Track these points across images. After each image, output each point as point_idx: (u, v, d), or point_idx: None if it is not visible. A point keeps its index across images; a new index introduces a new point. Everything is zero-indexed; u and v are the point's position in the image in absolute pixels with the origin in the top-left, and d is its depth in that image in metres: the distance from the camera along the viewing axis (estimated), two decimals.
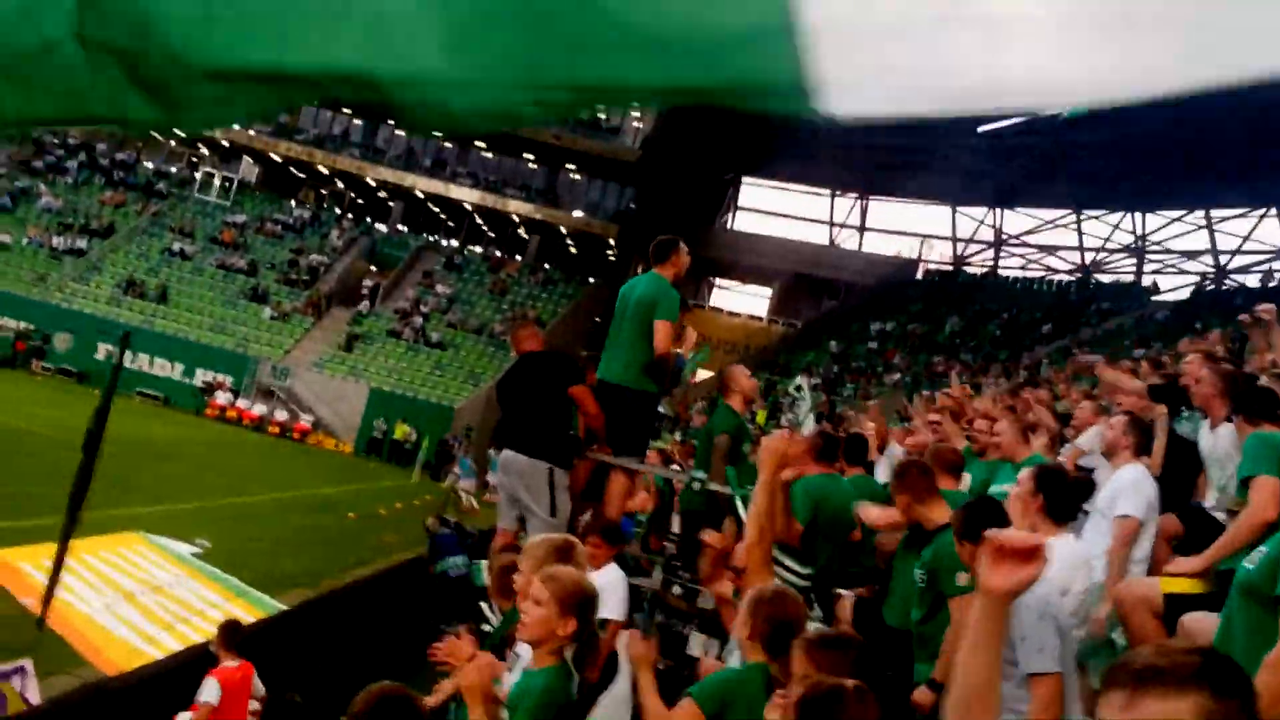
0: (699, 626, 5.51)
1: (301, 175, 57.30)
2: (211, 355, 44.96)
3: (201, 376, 44.49)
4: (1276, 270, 45.41)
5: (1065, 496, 4.64)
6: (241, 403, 43.88)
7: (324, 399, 44.30)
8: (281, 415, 43.54)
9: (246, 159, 56.84)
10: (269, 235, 53.39)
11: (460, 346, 48.27)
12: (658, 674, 6.29)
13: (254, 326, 47.48)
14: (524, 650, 3.90)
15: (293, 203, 56.09)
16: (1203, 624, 3.99)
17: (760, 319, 57.10)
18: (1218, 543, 4.71)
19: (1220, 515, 5.35)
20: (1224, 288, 47.37)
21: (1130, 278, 52.48)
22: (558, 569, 3.73)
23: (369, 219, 57.50)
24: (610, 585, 5.05)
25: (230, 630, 7.57)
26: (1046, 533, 4.24)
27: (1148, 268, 52.56)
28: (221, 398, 43.66)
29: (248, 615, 10.21)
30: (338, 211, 56.51)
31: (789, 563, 4.85)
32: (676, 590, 6.08)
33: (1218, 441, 5.68)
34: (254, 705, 7.54)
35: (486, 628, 6.25)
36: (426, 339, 48.27)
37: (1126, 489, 5.35)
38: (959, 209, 57.34)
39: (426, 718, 2.97)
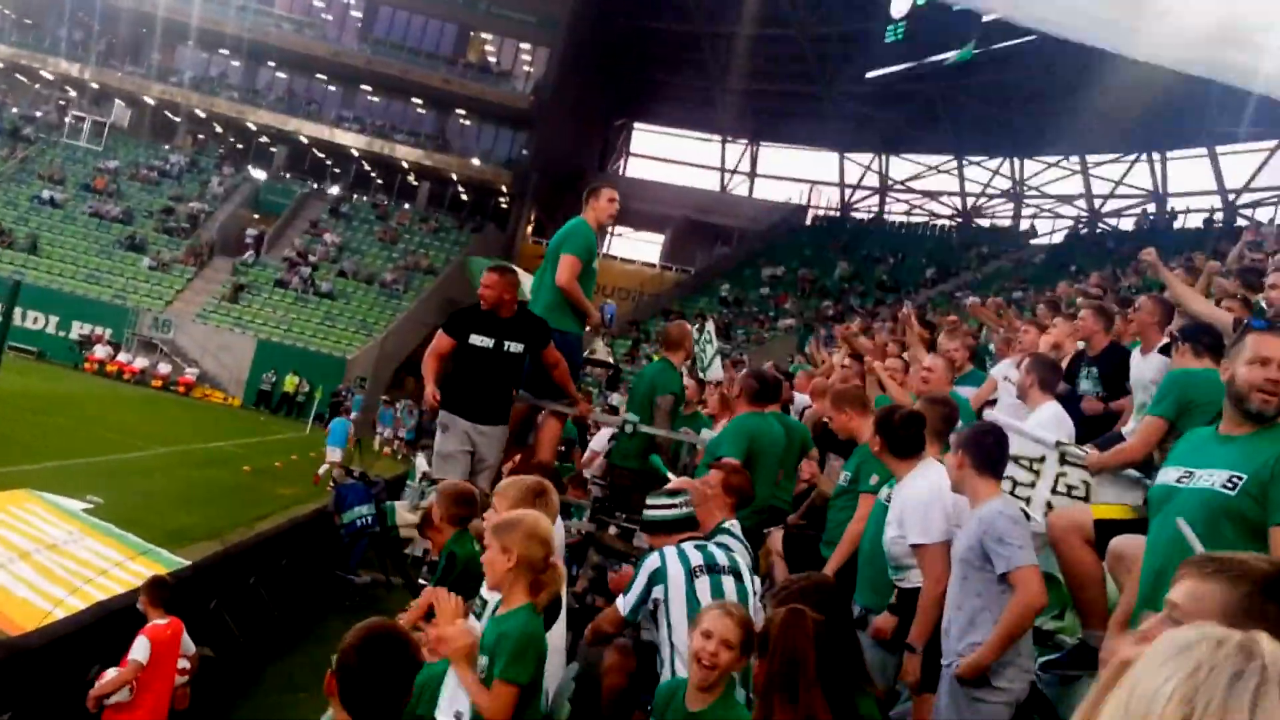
0: (636, 564, 5.61)
1: (177, 119, 55.06)
2: (88, 307, 43.24)
3: (78, 329, 42.82)
4: (1151, 214, 47.29)
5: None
6: (122, 356, 42.36)
7: (209, 351, 43.09)
8: (164, 368, 42.18)
9: (118, 102, 54.34)
10: (144, 182, 51.31)
11: (351, 296, 47.33)
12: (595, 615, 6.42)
13: (132, 277, 45.75)
14: (491, 596, 3.92)
15: (168, 148, 53.91)
16: (1131, 544, 4.24)
17: (654, 265, 57.24)
18: (1111, 454, 5.03)
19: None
20: (1097, 231, 49.17)
21: (1009, 222, 54.06)
22: (512, 515, 3.76)
23: (250, 165, 55.59)
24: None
25: (158, 586, 7.41)
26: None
27: (1026, 212, 54.23)
28: (100, 351, 42.09)
29: (151, 572, 9.99)
30: (218, 156, 54.47)
31: (662, 501, 5.01)
32: (613, 530, 6.19)
33: (1145, 368, 5.94)
34: (183, 663, 7.42)
35: (423, 581, 6.27)
36: (315, 289, 47.18)
37: (1049, 426, 5.62)
38: (846, 155, 58.18)
39: (417, 654, 2.96)
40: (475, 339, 6.74)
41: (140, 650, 6.96)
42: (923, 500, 4.82)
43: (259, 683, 10.32)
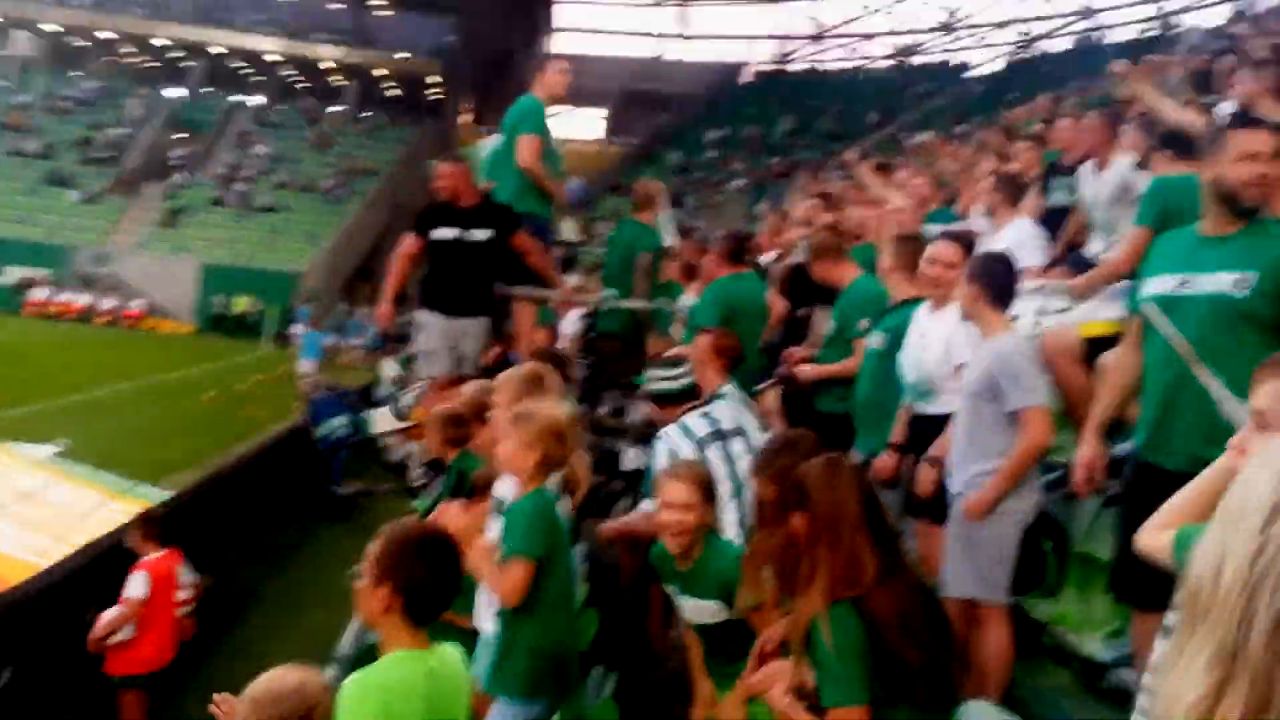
0: (631, 440, 5.59)
1: (84, 44, 52.74)
2: (20, 250, 41.88)
3: (13, 274, 41.63)
4: (1093, 32, 46.80)
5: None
6: (63, 296, 41.35)
7: (153, 281, 42.04)
8: (109, 303, 41.25)
9: (20, 33, 51.92)
10: (60, 113, 49.38)
11: (292, 208, 46.24)
12: (595, 493, 6.37)
13: (62, 213, 44.31)
14: (505, 492, 3.83)
15: (80, 74, 51.73)
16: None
17: (597, 142, 56.30)
18: (1097, 274, 5.00)
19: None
20: (1033, 56, 48.64)
21: (943, 57, 53.41)
22: (525, 408, 3.67)
23: (166, 84, 53.51)
24: None
25: (149, 521, 7.26)
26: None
27: (961, 45, 53.54)
28: (39, 293, 41.06)
29: (133, 509, 9.83)
30: (131, 78, 52.36)
31: (665, 373, 4.95)
32: (604, 409, 6.10)
33: (1101, 185, 5.86)
34: (184, 594, 7.29)
35: (419, 482, 6.21)
36: (254, 204, 46.03)
37: (1026, 244, 5.52)
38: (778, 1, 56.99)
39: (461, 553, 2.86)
40: (438, 232, 6.60)
41: (138, 586, 6.82)
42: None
43: (260, 601, 10.27)
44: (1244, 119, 3.51)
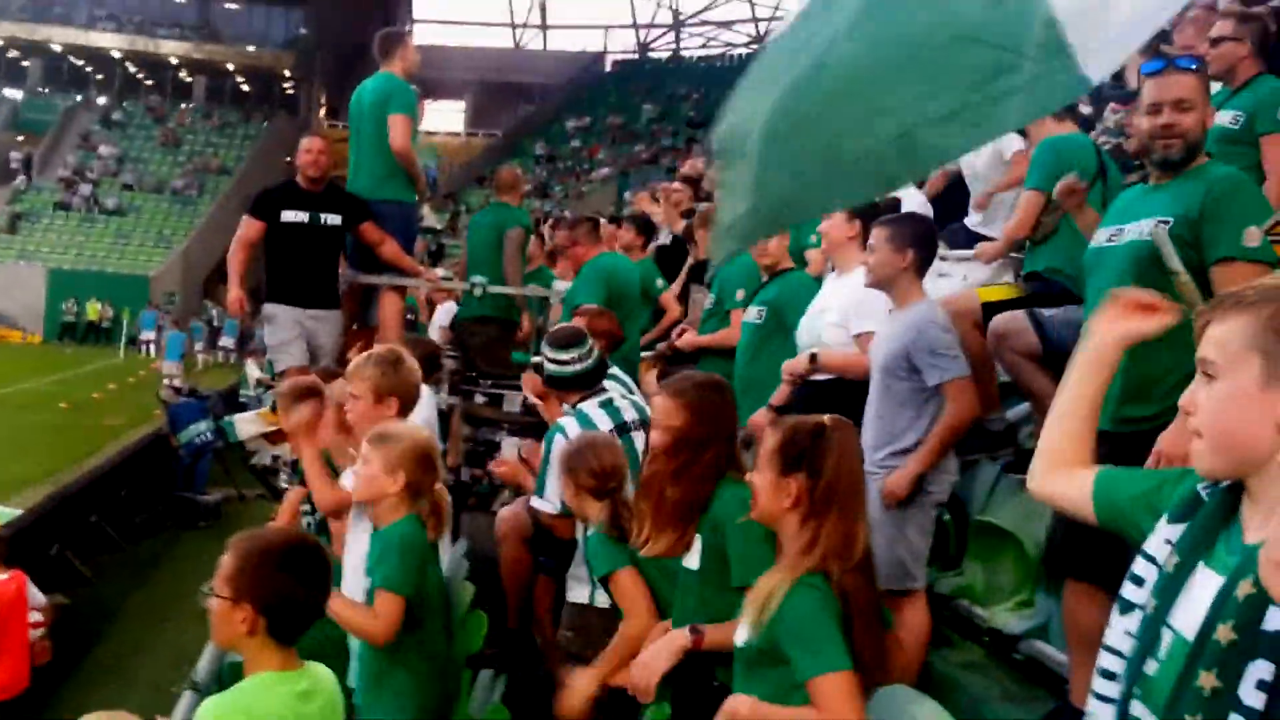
0: (509, 432, 5.44)
1: None
2: None
3: None
4: None
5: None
6: None
7: None
8: None
9: None
10: None
11: (142, 209, 44.47)
12: (473, 488, 6.23)
13: None
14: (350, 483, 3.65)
15: None
16: (1011, 322, 4.29)
17: (459, 134, 55.57)
18: (1002, 242, 5.04)
19: (988, 230, 5.67)
20: None
21: None
22: (386, 429, 3.44)
23: (3, 84, 50.76)
24: (428, 420, 4.75)
25: None
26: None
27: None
28: None
29: None
30: None
31: (557, 354, 4.57)
32: (480, 399, 5.94)
33: (977, 156, 5.93)
34: (36, 616, 6.96)
35: (284, 485, 5.96)
36: (101, 206, 44.10)
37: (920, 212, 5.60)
38: None
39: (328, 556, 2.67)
40: (288, 215, 6.23)
41: None
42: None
43: (122, 617, 9.88)
44: (1160, 64, 3.37)
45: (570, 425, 4.14)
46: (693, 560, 3.06)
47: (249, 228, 6.34)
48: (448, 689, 3.57)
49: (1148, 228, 3.17)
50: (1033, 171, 4.76)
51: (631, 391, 4.75)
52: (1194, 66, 3.30)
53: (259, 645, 2.44)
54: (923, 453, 3.93)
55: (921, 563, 4.03)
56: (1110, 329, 2.00)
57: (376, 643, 3.28)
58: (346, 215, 6.33)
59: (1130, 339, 1.99)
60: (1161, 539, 1.67)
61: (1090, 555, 3.14)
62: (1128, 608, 1.69)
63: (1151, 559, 1.68)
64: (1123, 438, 3.05)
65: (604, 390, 4.39)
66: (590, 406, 4.25)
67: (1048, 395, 3.31)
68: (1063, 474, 1.99)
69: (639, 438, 4.10)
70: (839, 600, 2.47)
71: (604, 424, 4.15)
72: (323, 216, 6.29)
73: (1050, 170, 4.50)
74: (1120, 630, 1.69)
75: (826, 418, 2.66)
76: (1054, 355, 4.02)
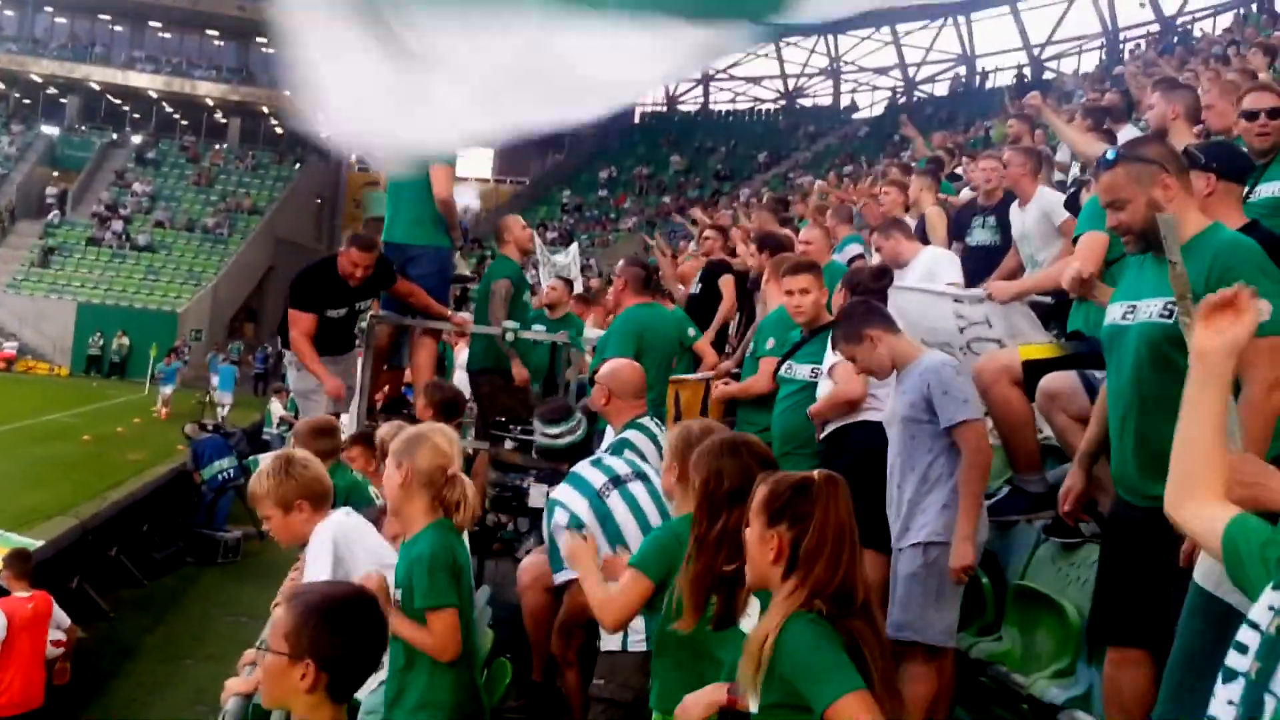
0: (537, 477, 5.42)
1: None
2: None
3: None
4: (964, 76, 48.50)
5: None
6: None
7: (27, 321, 40.36)
8: None
9: None
10: None
11: (172, 246, 44.97)
12: (498, 533, 6.24)
13: None
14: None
15: None
16: (1063, 382, 4.21)
17: (486, 180, 56.03)
18: (1036, 277, 5.01)
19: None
20: (915, 99, 50.21)
21: (830, 100, 54.70)
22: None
23: (41, 120, 51.57)
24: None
25: (19, 559, 6.98)
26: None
27: (845, 88, 54.91)
28: None
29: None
30: (4, 114, 50.39)
31: (547, 429, 4.74)
32: (509, 445, 5.94)
33: (1026, 219, 5.95)
34: (58, 635, 6.98)
35: None
36: (133, 243, 44.62)
37: (941, 261, 5.60)
38: None
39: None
40: (331, 313, 6.49)
41: None
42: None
43: (140, 654, 9.83)
44: (1114, 156, 3.30)
45: (563, 490, 4.31)
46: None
47: (306, 322, 6.47)
48: (476, 686, 3.52)
49: (1155, 308, 3.08)
50: (1087, 221, 4.61)
51: (657, 443, 4.70)
52: (1113, 158, 3.24)
53: (315, 703, 2.36)
54: (963, 517, 3.92)
55: (954, 621, 4.04)
56: (1210, 341, 1.96)
57: (446, 659, 3.28)
58: (379, 290, 6.63)
59: (1237, 345, 1.95)
60: (1266, 604, 1.65)
61: (1135, 620, 3.08)
62: (1231, 676, 1.66)
63: (1255, 625, 1.65)
64: (1154, 513, 2.96)
65: (591, 451, 4.56)
66: (583, 466, 4.42)
67: None
68: (1198, 505, 1.93)
69: (634, 488, 4.23)
70: (842, 636, 2.41)
71: (597, 481, 4.27)
72: (357, 304, 6.62)
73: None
74: (1223, 700, 1.66)
75: (815, 472, 2.62)
76: None
